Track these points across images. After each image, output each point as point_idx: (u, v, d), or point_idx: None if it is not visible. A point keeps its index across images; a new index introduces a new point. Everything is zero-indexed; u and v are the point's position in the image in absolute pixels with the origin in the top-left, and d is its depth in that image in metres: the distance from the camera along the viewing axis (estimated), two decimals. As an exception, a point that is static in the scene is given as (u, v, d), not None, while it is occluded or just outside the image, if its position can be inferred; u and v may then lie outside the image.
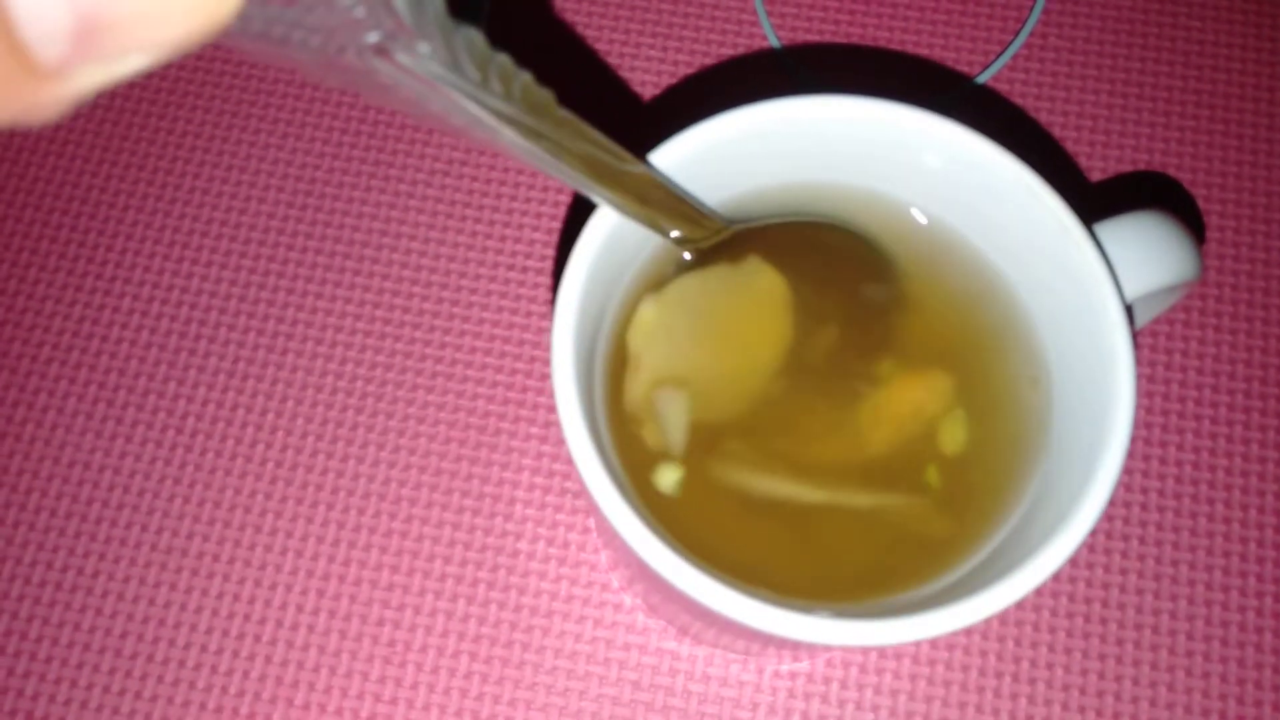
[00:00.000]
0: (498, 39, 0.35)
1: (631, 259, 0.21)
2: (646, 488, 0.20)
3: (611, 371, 0.21)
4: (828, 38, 0.34)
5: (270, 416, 0.29)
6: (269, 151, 0.32)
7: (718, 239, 0.21)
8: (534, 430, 0.29)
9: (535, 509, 0.29)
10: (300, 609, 0.28)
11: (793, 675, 0.27)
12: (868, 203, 0.23)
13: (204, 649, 0.27)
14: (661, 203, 0.19)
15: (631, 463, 0.20)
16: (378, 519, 0.28)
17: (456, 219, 0.32)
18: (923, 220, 0.23)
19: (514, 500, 0.29)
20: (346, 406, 0.30)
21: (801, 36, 0.34)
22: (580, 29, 0.34)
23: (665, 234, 0.20)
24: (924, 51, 0.33)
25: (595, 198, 0.18)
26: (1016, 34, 0.33)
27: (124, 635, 0.27)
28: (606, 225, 0.20)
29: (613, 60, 0.33)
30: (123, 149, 0.32)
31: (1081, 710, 0.27)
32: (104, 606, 0.28)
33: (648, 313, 0.21)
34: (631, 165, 0.18)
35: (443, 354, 0.30)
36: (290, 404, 0.30)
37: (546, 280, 0.31)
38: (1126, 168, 0.32)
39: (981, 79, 0.33)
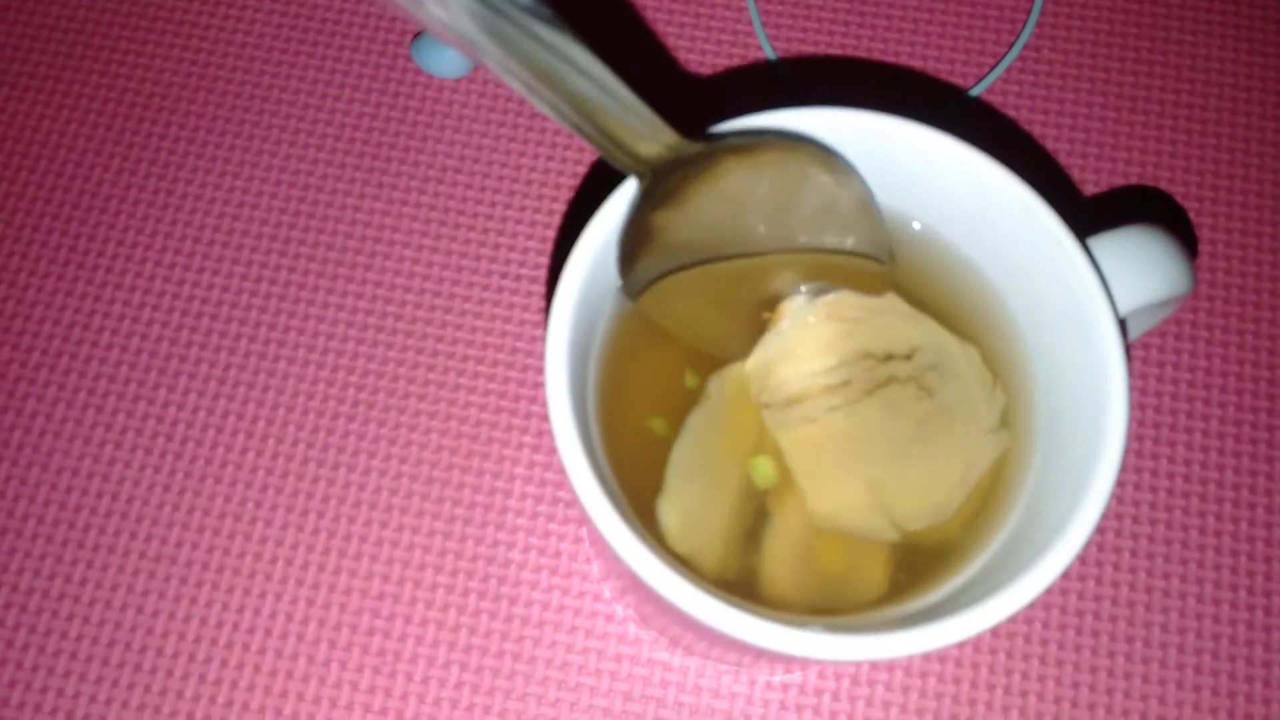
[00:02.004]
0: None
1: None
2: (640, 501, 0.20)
3: (605, 385, 0.21)
4: (823, 49, 0.34)
5: (261, 424, 0.29)
6: (262, 157, 0.32)
7: (676, 165, 0.19)
8: (526, 439, 0.29)
9: (527, 518, 0.28)
10: (289, 618, 0.27)
11: (784, 687, 0.27)
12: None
13: (192, 658, 0.27)
14: (610, 105, 0.17)
15: (624, 474, 0.20)
16: (368, 527, 0.28)
17: (450, 226, 0.31)
18: (919, 231, 0.23)
19: (506, 509, 0.29)
20: (338, 414, 0.29)
21: (797, 48, 0.34)
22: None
23: (619, 157, 0.18)
24: (919, 63, 0.33)
25: (537, 101, 0.17)
26: (1011, 46, 0.34)
27: (111, 644, 0.27)
28: (602, 233, 0.20)
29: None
30: (115, 153, 0.32)
31: (1073, 723, 0.27)
32: (91, 615, 0.27)
33: (671, 521, 0.20)
34: (584, 60, 0.16)
35: (435, 362, 0.30)
36: (281, 411, 0.29)
37: (540, 289, 0.31)
38: (1120, 181, 0.32)
39: (975, 91, 0.33)
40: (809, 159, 0.20)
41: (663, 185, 0.19)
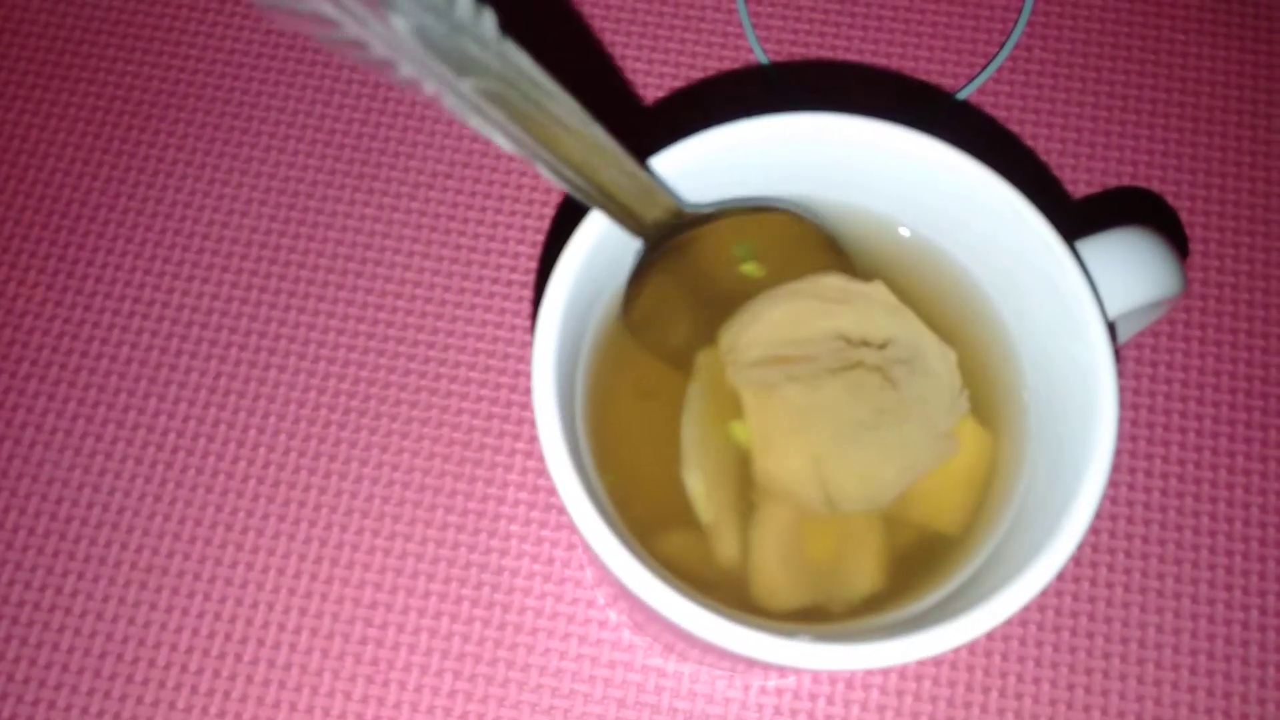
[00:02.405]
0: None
1: (613, 273, 0.21)
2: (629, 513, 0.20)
3: (595, 397, 0.21)
4: (814, 52, 0.34)
5: (252, 432, 0.29)
6: (251, 164, 0.32)
7: (677, 229, 0.20)
8: (519, 445, 0.29)
9: (520, 525, 0.28)
10: (282, 628, 0.27)
11: (779, 691, 0.27)
12: (852, 218, 0.23)
13: (184, 669, 0.27)
14: (619, 177, 0.19)
15: (615, 484, 0.20)
16: (360, 536, 0.28)
17: (441, 232, 0.31)
18: (907, 236, 0.23)
19: (499, 516, 0.28)
20: (329, 422, 0.29)
21: (788, 51, 0.34)
22: (564, 44, 0.34)
23: (624, 220, 0.20)
24: (908, 66, 0.33)
25: (548, 173, 0.18)
26: (1000, 48, 0.33)
27: (103, 655, 0.27)
28: (588, 242, 0.19)
29: (597, 76, 0.33)
30: (103, 161, 0.32)
31: (1068, 725, 0.26)
32: (83, 626, 0.27)
33: (695, 485, 0.21)
34: (589, 129, 0.17)
35: (426, 368, 0.30)
36: (273, 419, 0.29)
37: (530, 294, 0.31)
38: (1112, 181, 0.32)
39: (966, 92, 0.33)
40: (786, 218, 0.22)
41: (666, 243, 0.20)
